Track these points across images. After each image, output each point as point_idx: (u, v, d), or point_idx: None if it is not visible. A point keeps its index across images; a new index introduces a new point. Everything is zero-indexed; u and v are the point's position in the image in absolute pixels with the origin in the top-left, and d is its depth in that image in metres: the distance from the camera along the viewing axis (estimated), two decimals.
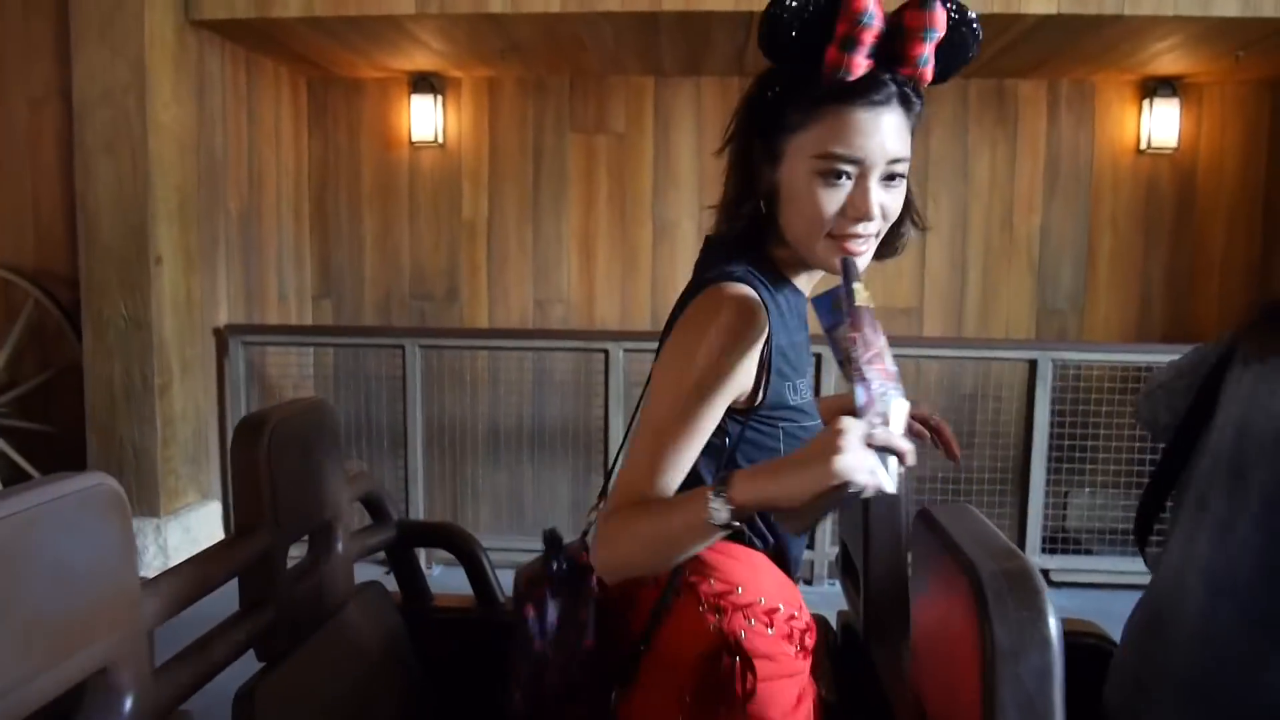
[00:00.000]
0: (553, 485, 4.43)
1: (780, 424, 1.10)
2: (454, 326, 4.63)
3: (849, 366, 0.90)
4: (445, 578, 3.71)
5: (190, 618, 1.28)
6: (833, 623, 1.67)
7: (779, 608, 1.10)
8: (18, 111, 3.78)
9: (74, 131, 3.56)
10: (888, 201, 1.05)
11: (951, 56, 1.04)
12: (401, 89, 4.59)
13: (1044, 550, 3.87)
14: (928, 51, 1.01)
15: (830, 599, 3.75)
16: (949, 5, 1.01)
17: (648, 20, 3.56)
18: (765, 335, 1.05)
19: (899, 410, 0.89)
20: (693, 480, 1.05)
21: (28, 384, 3.84)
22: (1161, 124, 4.34)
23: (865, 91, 1.01)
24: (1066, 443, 3.91)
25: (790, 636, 1.11)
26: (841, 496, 0.86)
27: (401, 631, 1.70)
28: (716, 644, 1.07)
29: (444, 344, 4.10)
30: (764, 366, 1.07)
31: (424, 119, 4.53)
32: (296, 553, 1.54)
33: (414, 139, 4.57)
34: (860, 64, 1.00)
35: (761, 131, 1.09)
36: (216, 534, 3.82)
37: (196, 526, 3.76)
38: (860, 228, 1.04)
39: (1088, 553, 4.04)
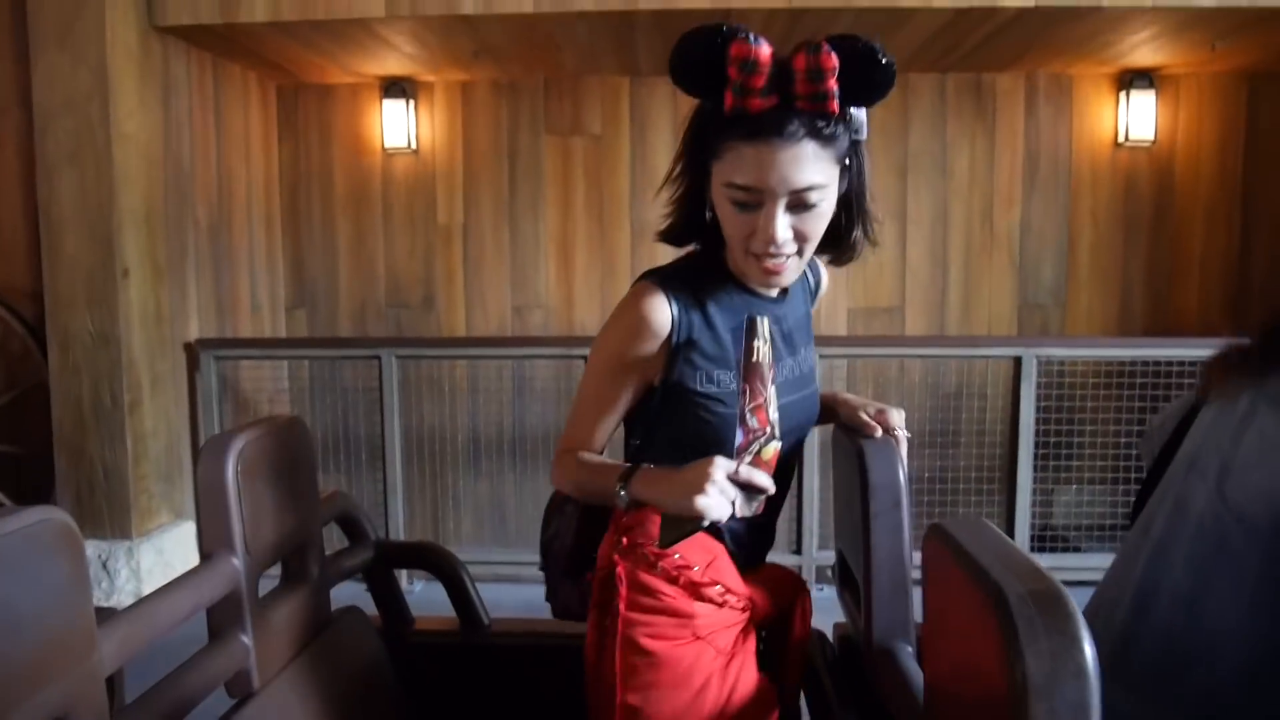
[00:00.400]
0: (535, 494, 4.35)
1: (688, 406, 1.25)
2: (431, 335, 4.55)
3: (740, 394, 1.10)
4: (427, 594, 3.63)
5: (166, 645, 1.21)
6: (829, 635, 1.62)
7: (673, 555, 1.25)
8: None
9: (35, 142, 3.46)
10: (801, 225, 1.16)
11: (863, 84, 1.11)
12: (373, 94, 4.51)
13: (1032, 549, 3.84)
14: (822, 89, 1.08)
15: (817, 604, 3.70)
16: (846, 43, 1.08)
17: (623, 20, 3.51)
18: (668, 328, 1.21)
19: (771, 451, 1.10)
20: (639, 434, 1.33)
21: None
22: (1139, 117, 4.33)
23: (767, 128, 1.10)
24: (1053, 439, 3.88)
25: (676, 580, 1.25)
26: (700, 526, 1.11)
27: (382, 658, 1.63)
28: (610, 567, 1.30)
29: (422, 353, 4.02)
30: (672, 355, 1.23)
31: (396, 124, 4.45)
32: (273, 574, 1.47)
33: (386, 145, 4.49)
34: (756, 103, 1.09)
35: (698, 149, 1.20)
36: (191, 555, 3.73)
37: (170, 548, 3.66)
38: (772, 249, 1.16)
39: (1075, 550, 4.02)
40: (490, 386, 4.39)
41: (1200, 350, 3.70)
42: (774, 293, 1.31)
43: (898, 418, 1.35)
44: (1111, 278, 4.52)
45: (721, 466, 1.09)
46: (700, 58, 1.10)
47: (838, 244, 1.29)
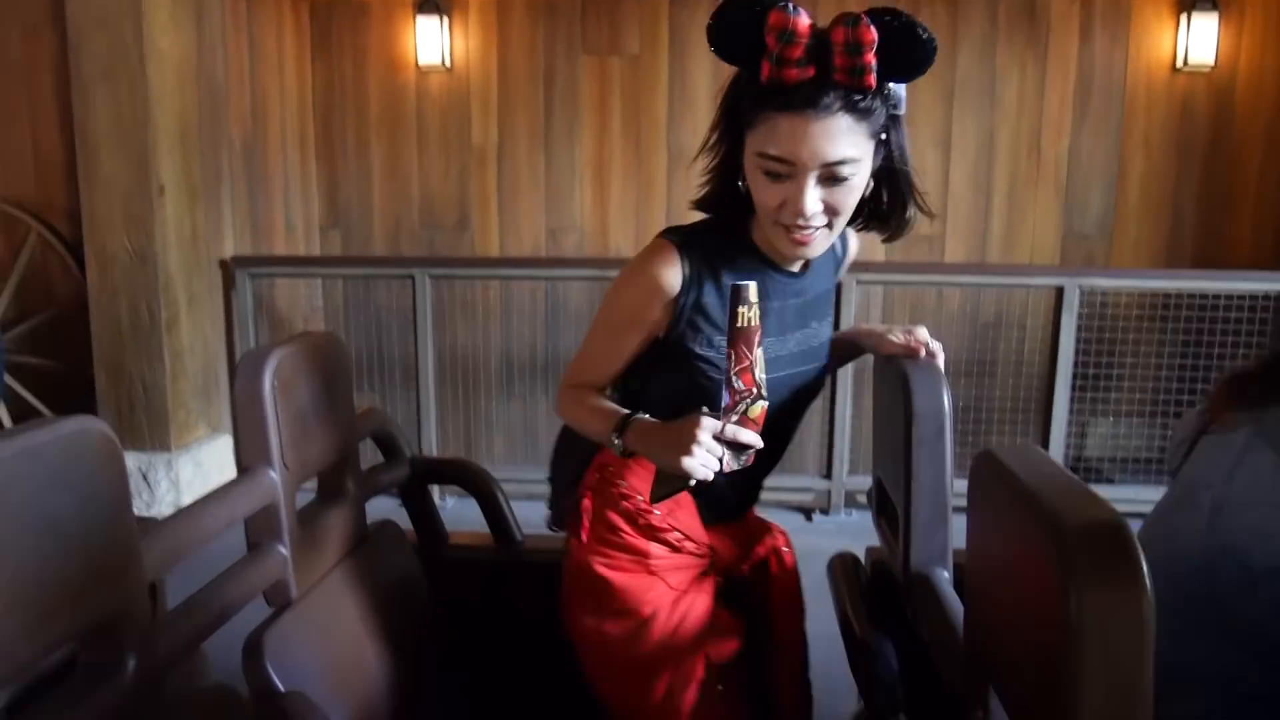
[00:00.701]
0: None
1: (685, 365, 1.27)
2: (465, 256, 4.54)
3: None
4: (459, 510, 3.68)
5: (205, 560, 1.23)
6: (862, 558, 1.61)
7: (635, 498, 1.32)
8: (12, 41, 3.65)
9: (70, 60, 3.44)
10: (831, 199, 1.15)
11: (903, 58, 1.09)
12: (406, 11, 4.42)
13: None
14: (860, 64, 1.06)
15: (846, 529, 3.73)
16: (886, 16, 1.06)
17: None
18: (678, 288, 1.22)
19: (758, 410, 1.13)
20: (638, 379, 1.35)
21: (34, 320, 3.78)
22: (1199, 41, 4.14)
23: (802, 101, 1.09)
24: (1091, 371, 3.82)
25: (636, 521, 1.33)
26: (688, 484, 1.15)
27: (417, 573, 1.65)
28: (582, 496, 1.39)
29: (455, 273, 4.01)
30: (678, 314, 1.24)
31: (430, 42, 4.36)
32: (310, 488, 1.48)
33: (420, 63, 4.42)
34: (794, 74, 1.08)
35: (733, 119, 1.20)
36: (228, 467, 3.80)
37: (208, 460, 3.73)
38: (801, 220, 1.15)
39: (1109, 481, 3.98)
40: (524, 309, 4.38)
41: (1249, 284, 3.60)
42: (795, 266, 1.31)
43: (925, 333, 1.34)
44: (1162, 208, 4.39)
45: (707, 427, 1.11)
46: (739, 26, 1.09)
47: (887, 220, 1.28)
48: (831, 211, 1.17)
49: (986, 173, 4.41)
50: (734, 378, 1.11)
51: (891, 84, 1.14)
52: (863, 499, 3.93)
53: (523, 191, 4.54)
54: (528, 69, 4.45)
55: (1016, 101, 4.35)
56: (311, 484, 1.51)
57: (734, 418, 1.13)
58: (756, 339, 1.12)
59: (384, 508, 1.71)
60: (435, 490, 3.72)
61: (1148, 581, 0.62)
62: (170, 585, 1.51)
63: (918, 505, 1.20)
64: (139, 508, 3.51)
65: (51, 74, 3.63)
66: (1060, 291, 3.64)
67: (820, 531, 3.65)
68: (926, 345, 1.32)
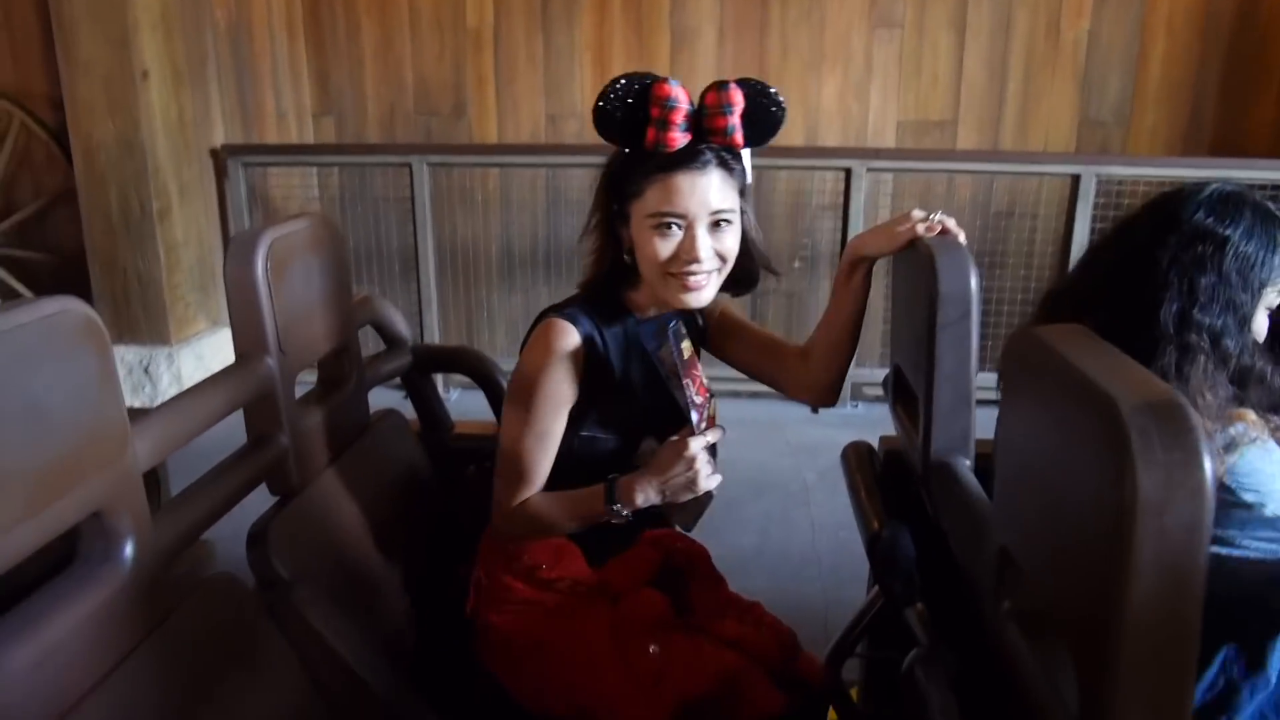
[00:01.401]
0: None
1: (589, 425, 1.37)
2: (463, 143, 4.41)
3: (677, 388, 1.24)
4: (464, 402, 3.67)
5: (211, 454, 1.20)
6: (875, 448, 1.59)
7: (523, 556, 1.39)
8: None
9: None
10: (719, 245, 1.29)
11: (760, 123, 1.27)
12: None
13: None
14: (731, 123, 1.24)
15: (852, 421, 3.72)
16: (749, 84, 1.25)
17: None
18: (582, 353, 1.32)
19: (713, 407, 1.28)
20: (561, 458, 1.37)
21: (22, 212, 3.69)
22: None
23: (685, 161, 1.25)
24: None
25: (527, 580, 1.39)
26: (712, 498, 1.28)
27: (421, 461, 1.63)
28: (475, 566, 1.46)
29: (453, 161, 3.89)
30: (586, 377, 1.33)
31: None
32: (309, 380, 1.44)
33: None
34: (676, 139, 1.23)
35: (614, 198, 1.32)
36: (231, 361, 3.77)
37: (209, 354, 3.70)
38: (694, 267, 1.27)
39: None
40: (524, 198, 4.26)
41: (1273, 173, 3.50)
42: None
43: (921, 212, 1.30)
44: (1182, 93, 4.23)
45: (695, 445, 1.24)
46: (626, 102, 1.23)
47: (744, 273, 1.39)
48: (720, 257, 1.30)
49: (1002, 55, 4.24)
50: (695, 396, 1.24)
51: (744, 151, 1.29)
52: (869, 391, 3.91)
53: (520, 75, 4.37)
54: None
55: None
56: (311, 374, 1.48)
57: (704, 425, 1.25)
58: (697, 359, 1.31)
59: (388, 400, 1.68)
60: (439, 382, 3.70)
61: (1207, 462, 0.57)
62: (174, 483, 1.49)
63: (939, 391, 1.15)
64: (141, 401, 3.49)
65: None
66: (1076, 180, 3.55)
67: (826, 424, 3.63)
68: (942, 224, 1.26)
